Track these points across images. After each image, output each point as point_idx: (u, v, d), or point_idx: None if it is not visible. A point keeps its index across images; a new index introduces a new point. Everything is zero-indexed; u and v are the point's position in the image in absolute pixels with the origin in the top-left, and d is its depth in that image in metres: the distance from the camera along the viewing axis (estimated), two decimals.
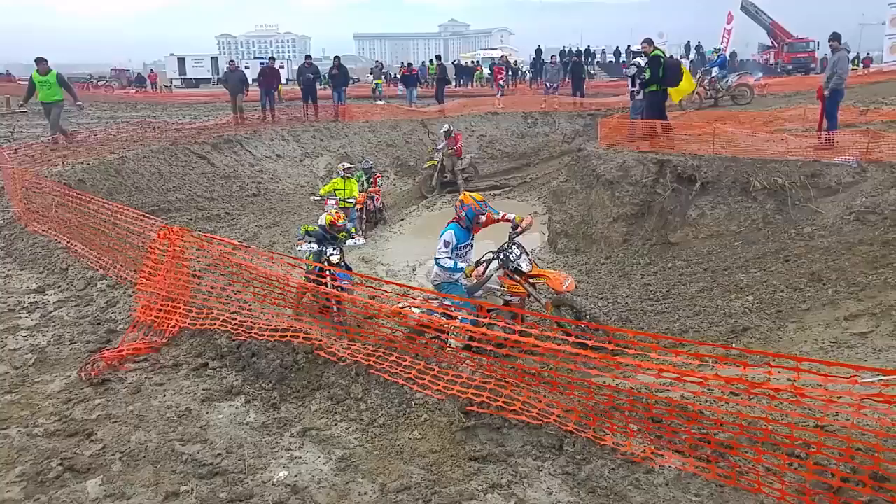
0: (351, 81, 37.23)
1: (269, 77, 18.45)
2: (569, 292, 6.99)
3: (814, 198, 8.98)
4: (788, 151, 9.96)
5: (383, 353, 3.73)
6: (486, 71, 38.61)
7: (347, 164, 13.93)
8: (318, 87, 19.45)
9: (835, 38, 10.89)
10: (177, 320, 3.97)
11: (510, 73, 33.16)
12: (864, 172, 8.80)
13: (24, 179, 8.50)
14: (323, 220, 10.71)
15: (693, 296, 7.74)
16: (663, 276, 8.99)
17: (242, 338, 3.95)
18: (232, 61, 20.51)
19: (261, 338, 3.92)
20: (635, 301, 8.26)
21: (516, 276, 6.89)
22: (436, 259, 6.65)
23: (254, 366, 3.76)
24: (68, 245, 6.80)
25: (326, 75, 21.78)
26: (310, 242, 9.21)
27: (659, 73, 11.59)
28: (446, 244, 6.67)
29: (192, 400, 3.57)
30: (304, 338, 3.84)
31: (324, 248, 9.05)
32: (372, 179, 15.06)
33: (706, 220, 9.80)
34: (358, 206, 14.52)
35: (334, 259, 8.90)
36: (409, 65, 28.78)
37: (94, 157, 12.04)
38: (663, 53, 12.25)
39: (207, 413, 3.46)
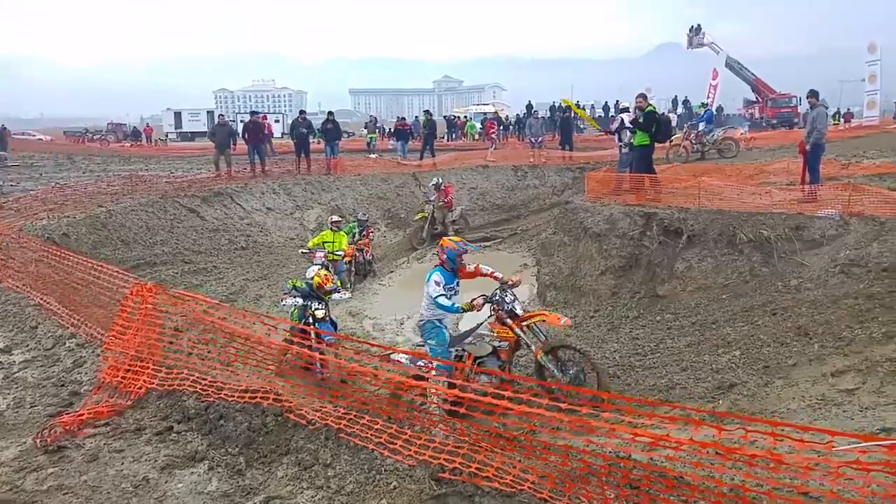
0: (345, 135, 37.72)
1: (253, 131, 18.36)
2: (566, 327, 7.00)
3: (799, 250, 8.98)
4: (773, 204, 10.02)
5: (355, 415, 3.61)
6: (478, 125, 39.21)
7: (337, 217, 13.94)
8: (311, 140, 19.56)
9: (812, 94, 11.11)
10: (144, 381, 3.85)
11: (500, 127, 33.64)
12: (846, 225, 8.83)
13: (2, 234, 8.42)
14: (310, 275, 10.63)
15: (681, 350, 7.64)
16: (651, 330, 8.89)
17: (212, 399, 3.82)
18: (222, 115, 20.70)
19: (230, 399, 3.80)
20: (623, 356, 8.15)
21: (508, 321, 6.81)
22: (433, 298, 6.52)
23: (221, 429, 3.62)
24: (41, 302, 6.67)
25: (319, 129, 21.96)
26: (294, 297, 9.15)
27: (652, 128, 11.74)
28: (437, 283, 6.61)
29: (152, 468, 3.42)
30: (274, 399, 3.72)
31: (308, 303, 8.99)
32: (365, 232, 15.06)
33: (693, 273, 9.77)
34: (347, 259, 14.48)
35: (319, 314, 8.77)
36: (402, 119, 29.12)
37: (82, 210, 12.00)
38: (655, 109, 12.43)
39: (166, 482, 3.31)
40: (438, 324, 6.83)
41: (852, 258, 8.15)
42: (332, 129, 19.86)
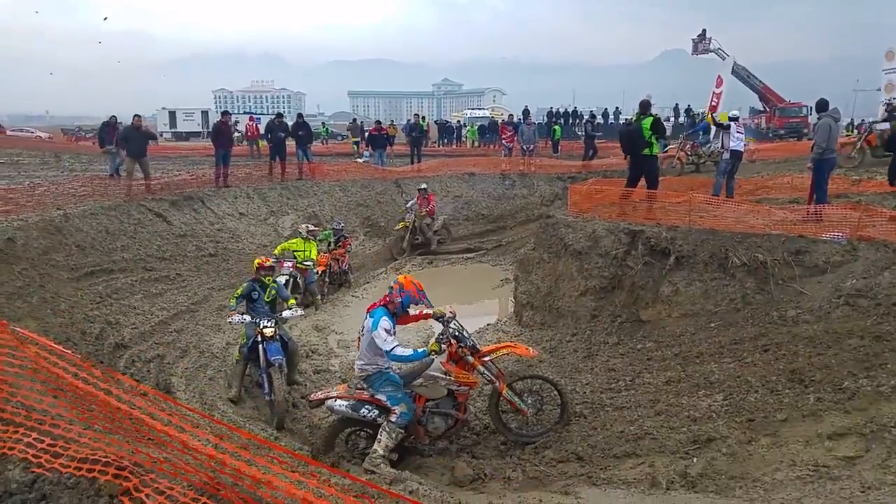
0: (339, 138, 36.79)
1: (219, 134, 16.38)
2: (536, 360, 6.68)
3: (798, 277, 8.12)
4: (771, 224, 9.16)
5: (206, 502, 2.77)
6: (477, 127, 38.44)
7: (312, 226, 13.43)
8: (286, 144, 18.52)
9: (818, 106, 10.25)
10: None
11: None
12: (854, 251, 7.96)
13: None
14: (281, 281, 10.13)
15: (658, 388, 6.80)
16: (630, 361, 8.06)
17: (43, 469, 3.01)
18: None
19: (65, 470, 2.98)
20: (595, 390, 7.35)
21: (470, 358, 6.07)
22: (388, 351, 5.70)
23: None
24: None
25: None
26: (241, 314, 8.46)
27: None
28: (388, 331, 5.77)
29: None
30: (113, 474, 2.90)
31: (257, 321, 8.31)
32: (342, 242, 14.36)
33: (680, 298, 8.92)
34: (321, 269, 13.71)
35: (267, 332, 8.18)
36: (378, 122, 28.06)
37: (39, 212, 11.23)
38: (633, 121, 11.62)
39: None
40: (386, 370, 6.04)
41: (859, 288, 7.29)
42: (303, 133, 18.84)
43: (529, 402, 6.38)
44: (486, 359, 6.24)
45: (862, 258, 7.76)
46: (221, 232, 14.65)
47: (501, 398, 6.25)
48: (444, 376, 6.13)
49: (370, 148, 23.01)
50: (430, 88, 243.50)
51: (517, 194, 19.97)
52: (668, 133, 27.44)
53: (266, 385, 7.97)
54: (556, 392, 6.44)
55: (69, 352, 3.29)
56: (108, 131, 17.61)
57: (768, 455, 4.65)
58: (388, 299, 6.05)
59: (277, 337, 8.24)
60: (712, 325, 8.20)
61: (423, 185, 17.30)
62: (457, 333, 6.14)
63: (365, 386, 6.12)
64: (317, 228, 13.55)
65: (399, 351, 5.70)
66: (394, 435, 5.92)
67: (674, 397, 6.38)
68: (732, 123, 11.89)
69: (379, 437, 5.93)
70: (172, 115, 51.23)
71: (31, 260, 9.55)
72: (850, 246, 8.01)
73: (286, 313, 8.75)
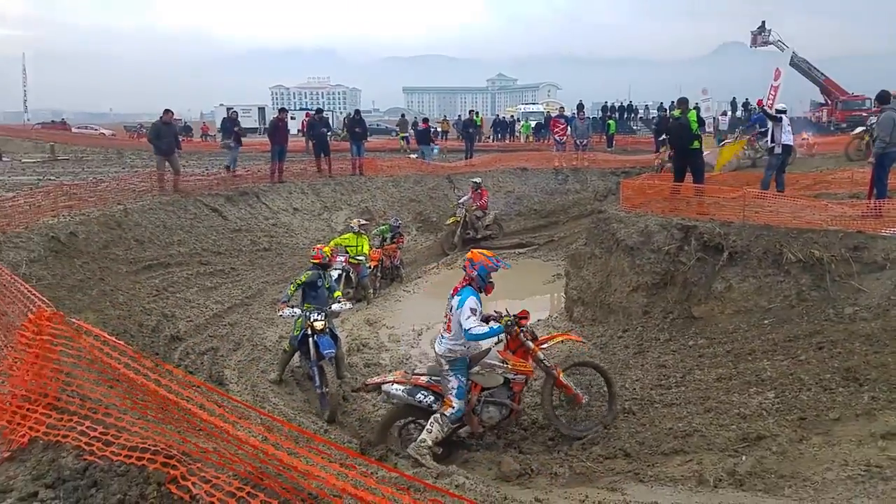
0: (393, 133, 36.99)
1: (276, 131, 17.13)
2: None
3: (857, 274, 7.89)
4: (829, 220, 8.92)
5: (250, 491, 2.90)
6: (533, 124, 38.22)
7: (363, 221, 13.68)
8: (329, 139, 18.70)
9: (880, 97, 9.93)
10: (29, 428, 3.28)
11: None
12: None
13: None
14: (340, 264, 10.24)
15: (709, 385, 6.74)
16: (681, 357, 7.99)
17: (95, 457, 3.17)
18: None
19: (116, 458, 3.14)
20: (645, 387, 7.31)
21: (530, 343, 6.12)
22: (468, 331, 5.72)
23: (90, 500, 3.02)
24: None
25: (343, 129, 21.15)
26: (292, 307, 8.63)
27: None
28: (473, 311, 5.80)
29: None
30: (162, 462, 3.05)
31: (307, 314, 8.47)
32: (397, 238, 14.58)
33: (733, 294, 8.78)
34: (373, 264, 13.96)
35: (318, 325, 8.27)
36: (426, 119, 28.13)
37: (100, 208, 11.77)
38: (678, 116, 11.40)
39: None
40: (467, 356, 6.10)
41: None
42: (359, 130, 19.03)
43: (580, 391, 6.40)
44: (545, 346, 6.29)
45: None
46: (276, 227, 15.05)
47: (557, 385, 6.23)
48: (501, 364, 6.13)
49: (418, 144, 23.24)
50: (485, 84, 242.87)
51: (569, 189, 19.86)
52: (725, 127, 26.74)
53: (318, 378, 8.06)
54: (604, 382, 6.45)
55: (122, 343, 3.47)
56: (229, 126, 18.10)
57: (819, 454, 4.60)
58: (467, 280, 6.10)
59: (327, 330, 8.34)
60: (765, 321, 8.06)
61: (477, 179, 17.41)
62: (513, 320, 6.17)
63: (445, 367, 6.06)
64: (368, 223, 13.76)
65: (476, 330, 5.72)
66: (445, 428, 5.95)
67: (724, 394, 6.33)
68: (783, 116, 11.64)
69: (429, 426, 5.97)
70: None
71: (91, 254, 9.97)
72: None
73: (335, 307, 8.79)
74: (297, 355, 8.78)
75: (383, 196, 17.99)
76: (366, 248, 13.07)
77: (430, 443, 5.90)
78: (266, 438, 3.15)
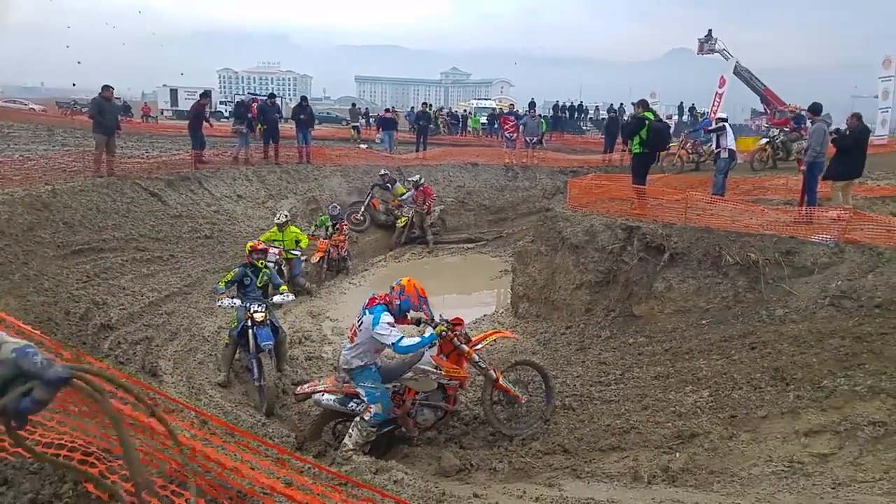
0: (343, 122, 36.55)
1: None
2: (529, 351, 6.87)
3: (788, 277, 8.22)
4: (764, 225, 9.24)
5: (175, 490, 2.79)
6: (483, 119, 38.43)
7: (285, 215, 12.94)
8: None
9: (812, 109, 10.39)
10: None
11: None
12: (841, 253, 8.05)
13: None
14: (273, 257, 9.86)
15: (647, 383, 6.91)
16: (621, 355, 8.17)
17: (6, 453, 2.98)
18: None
19: (28, 456, 2.95)
20: (585, 383, 7.45)
21: (463, 347, 6.04)
22: (395, 344, 5.62)
23: None
24: None
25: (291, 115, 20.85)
26: (231, 297, 8.44)
27: (642, 133, 11.08)
28: (391, 325, 5.71)
29: None
30: (79, 459, 2.89)
31: (247, 305, 8.26)
32: (338, 227, 14.32)
33: (673, 294, 9.03)
34: (319, 255, 13.76)
35: (258, 317, 8.08)
36: (392, 108, 28.19)
37: (25, 187, 11.16)
38: (652, 116, 11.66)
39: None
40: (370, 366, 6.02)
41: (844, 290, 7.40)
42: (304, 117, 18.73)
43: (519, 391, 6.45)
44: (479, 347, 6.26)
45: (848, 260, 7.87)
46: (218, 213, 14.58)
47: (496, 387, 6.23)
48: (434, 370, 6.06)
49: (380, 131, 23.05)
50: (438, 77, 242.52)
51: (519, 186, 20.00)
52: (672, 130, 27.38)
53: (255, 370, 7.89)
54: (541, 379, 6.52)
55: (38, 332, 3.29)
56: (242, 112, 17.62)
57: (747, 451, 4.75)
58: (387, 299, 5.98)
59: (268, 322, 8.15)
60: (703, 321, 8.30)
61: (416, 177, 17.00)
62: (444, 324, 6.09)
63: (347, 378, 6.09)
64: (288, 219, 12.92)
65: (405, 342, 5.61)
66: (364, 433, 5.90)
67: (661, 392, 6.49)
68: (725, 124, 12.06)
69: (350, 431, 5.96)
70: (174, 93, 50.11)
71: (14, 236, 9.32)
72: (838, 248, 8.11)
73: (277, 298, 8.61)
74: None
75: (331, 186, 17.72)
76: (304, 242, 12.76)
77: (351, 447, 5.86)
78: (191, 434, 3.04)
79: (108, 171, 13.35)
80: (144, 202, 12.94)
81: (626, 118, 15.04)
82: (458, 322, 6.20)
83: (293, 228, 12.90)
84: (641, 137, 11.07)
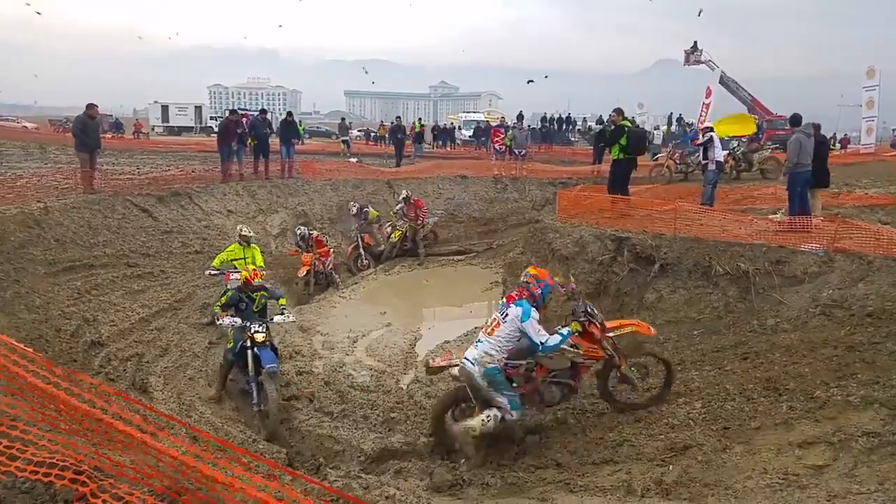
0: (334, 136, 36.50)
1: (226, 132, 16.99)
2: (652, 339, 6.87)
3: (778, 287, 8.27)
4: (754, 234, 9.28)
5: None
6: (467, 133, 38.65)
7: (245, 230, 11.23)
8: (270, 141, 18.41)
9: (792, 120, 10.58)
10: None
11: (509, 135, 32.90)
12: (831, 262, 8.10)
13: None
14: (235, 283, 9.42)
15: (639, 395, 6.88)
16: None
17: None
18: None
19: (21, 474, 2.91)
20: (578, 396, 7.39)
21: (597, 334, 6.24)
22: (544, 343, 5.81)
23: None
24: None
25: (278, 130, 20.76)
26: (232, 316, 8.14)
27: (622, 141, 11.26)
28: (539, 322, 5.94)
29: None
30: (70, 478, 2.84)
31: (248, 324, 8.01)
32: (311, 242, 14.00)
33: (664, 305, 9.05)
34: (305, 269, 13.67)
35: (259, 337, 7.87)
36: (398, 118, 28.39)
37: (17, 205, 11.12)
38: (630, 123, 11.88)
39: None
40: (497, 364, 6.01)
41: (835, 299, 7.46)
42: (288, 131, 18.68)
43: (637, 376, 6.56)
44: (611, 335, 6.42)
45: (838, 269, 7.92)
46: (209, 229, 14.52)
47: (616, 372, 6.42)
48: (571, 349, 6.20)
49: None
50: (427, 90, 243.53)
51: (508, 198, 20.02)
52: (659, 141, 27.70)
53: (255, 395, 7.62)
54: (665, 371, 6.55)
55: (30, 350, 3.24)
56: (226, 133, 17.29)
57: (741, 463, 4.72)
58: (526, 293, 6.10)
59: (268, 342, 7.93)
60: (694, 332, 8.31)
61: (404, 193, 16.87)
62: (587, 309, 6.35)
63: (488, 387, 5.96)
64: (249, 235, 11.28)
65: (551, 342, 5.83)
66: (495, 427, 5.98)
67: (654, 404, 6.46)
68: (712, 135, 12.21)
69: (486, 417, 5.94)
70: (165, 109, 50.54)
71: (6, 254, 9.35)
72: (828, 257, 8.15)
73: (278, 318, 8.39)
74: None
75: (321, 200, 17.70)
76: (259, 260, 11.08)
77: (479, 431, 5.93)
78: (183, 450, 2.99)
79: (90, 187, 13.29)
80: (135, 218, 12.93)
81: (603, 127, 15.31)
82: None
83: (255, 247, 11.45)
84: (621, 144, 11.38)
